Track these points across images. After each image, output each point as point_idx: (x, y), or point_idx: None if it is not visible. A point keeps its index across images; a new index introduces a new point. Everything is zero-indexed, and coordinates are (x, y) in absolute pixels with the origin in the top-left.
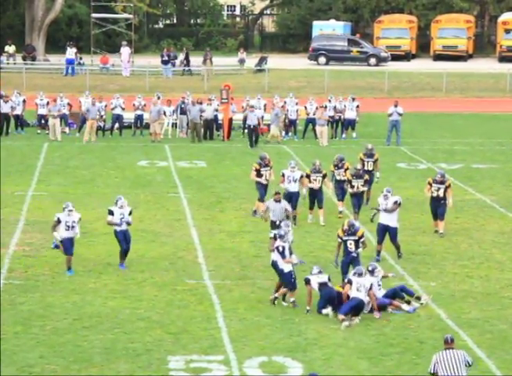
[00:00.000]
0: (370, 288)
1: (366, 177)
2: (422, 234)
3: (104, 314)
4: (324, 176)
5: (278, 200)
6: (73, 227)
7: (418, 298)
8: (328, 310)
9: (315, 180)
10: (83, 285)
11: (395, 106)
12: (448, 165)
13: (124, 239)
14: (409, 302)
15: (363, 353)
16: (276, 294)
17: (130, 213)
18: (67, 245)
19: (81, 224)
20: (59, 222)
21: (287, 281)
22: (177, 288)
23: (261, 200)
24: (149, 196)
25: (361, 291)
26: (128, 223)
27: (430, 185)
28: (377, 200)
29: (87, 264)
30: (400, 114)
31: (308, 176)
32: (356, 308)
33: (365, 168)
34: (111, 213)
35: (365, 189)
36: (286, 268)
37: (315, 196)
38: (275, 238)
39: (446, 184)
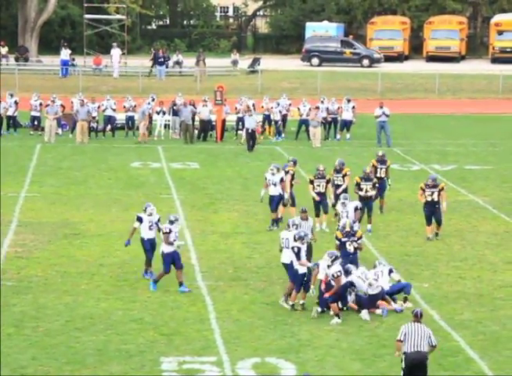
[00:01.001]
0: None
1: (375, 180)
2: (415, 235)
3: (97, 315)
4: (328, 182)
5: (305, 219)
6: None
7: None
8: (314, 309)
9: (319, 186)
10: (75, 286)
11: (381, 107)
12: (441, 166)
13: (151, 248)
14: (405, 300)
15: (356, 354)
16: (291, 302)
17: (158, 220)
18: (167, 260)
19: (76, 225)
20: (168, 233)
21: (298, 283)
22: (170, 290)
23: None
24: (142, 197)
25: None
26: (158, 229)
27: (423, 190)
28: (336, 207)
29: (79, 265)
30: (387, 115)
31: (311, 182)
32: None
33: (378, 174)
34: (140, 220)
35: (374, 192)
36: (301, 269)
37: (320, 202)
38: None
39: (439, 187)
